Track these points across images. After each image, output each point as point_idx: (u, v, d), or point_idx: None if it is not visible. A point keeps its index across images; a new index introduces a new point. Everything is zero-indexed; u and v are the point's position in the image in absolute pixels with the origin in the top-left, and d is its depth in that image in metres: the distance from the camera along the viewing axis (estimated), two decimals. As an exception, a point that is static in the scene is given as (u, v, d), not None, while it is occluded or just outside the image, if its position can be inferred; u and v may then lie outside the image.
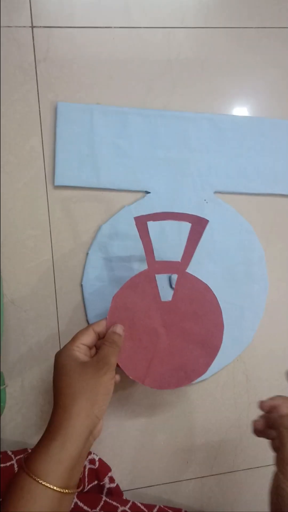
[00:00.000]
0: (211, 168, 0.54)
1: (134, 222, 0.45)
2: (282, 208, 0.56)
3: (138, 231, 0.43)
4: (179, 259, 0.44)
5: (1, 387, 0.47)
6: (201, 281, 0.44)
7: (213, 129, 0.54)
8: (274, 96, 0.56)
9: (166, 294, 0.44)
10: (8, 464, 0.43)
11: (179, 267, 0.44)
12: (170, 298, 0.44)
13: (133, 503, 0.46)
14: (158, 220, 0.44)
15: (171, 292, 0.44)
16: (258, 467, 0.55)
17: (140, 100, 0.53)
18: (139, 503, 0.47)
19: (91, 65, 0.52)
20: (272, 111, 0.56)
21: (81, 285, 0.51)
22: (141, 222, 0.43)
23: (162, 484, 0.52)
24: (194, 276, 0.44)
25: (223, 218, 0.53)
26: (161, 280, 0.45)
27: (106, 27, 0.52)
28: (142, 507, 0.46)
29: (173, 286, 0.46)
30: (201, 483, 0.53)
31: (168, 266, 0.44)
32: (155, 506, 0.47)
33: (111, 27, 0.52)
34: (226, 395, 0.54)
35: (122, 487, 0.50)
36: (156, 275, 0.43)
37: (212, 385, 0.54)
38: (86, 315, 0.51)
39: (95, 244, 0.51)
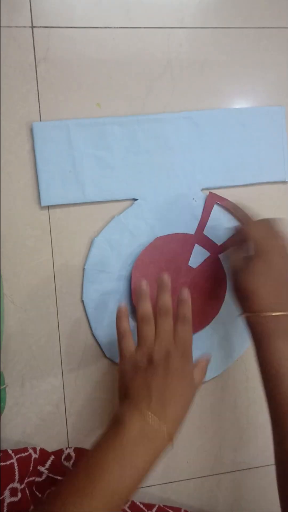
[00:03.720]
0: (195, 166, 0.53)
1: (126, 232, 0.49)
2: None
3: (205, 204, 0.52)
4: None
5: (1, 387, 0.47)
6: (224, 271, 0.52)
7: (191, 127, 0.53)
8: (274, 96, 0.56)
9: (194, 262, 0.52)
10: (8, 462, 0.42)
11: (216, 250, 0.52)
12: (195, 266, 0.52)
13: (133, 502, 0.46)
14: (224, 207, 0.53)
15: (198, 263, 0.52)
16: (258, 467, 0.55)
17: (140, 100, 0.53)
18: (139, 502, 0.47)
19: (91, 65, 0.52)
20: (272, 111, 0.56)
21: (82, 301, 0.51)
22: (212, 200, 0.52)
23: (162, 484, 0.52)
24: (222, 264, 0.52)
25: (214, 214, 0.53)
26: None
27: (106, 27, 0.52)
28: (141, 506, 0.46)
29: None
30: (201, 483, 0.53)
31: (209, 244, 0.52)
32: (154, 505, 0.47)
33: (111, 27, 0.52)
34: (226, 395, 0.54)
35: (122, 487, 0.50)
36: (195, 244, 0.52)
37: (212, 385, 0.54)
38: (91, 330, 0.51)
39: (90, 258, 0.51)
